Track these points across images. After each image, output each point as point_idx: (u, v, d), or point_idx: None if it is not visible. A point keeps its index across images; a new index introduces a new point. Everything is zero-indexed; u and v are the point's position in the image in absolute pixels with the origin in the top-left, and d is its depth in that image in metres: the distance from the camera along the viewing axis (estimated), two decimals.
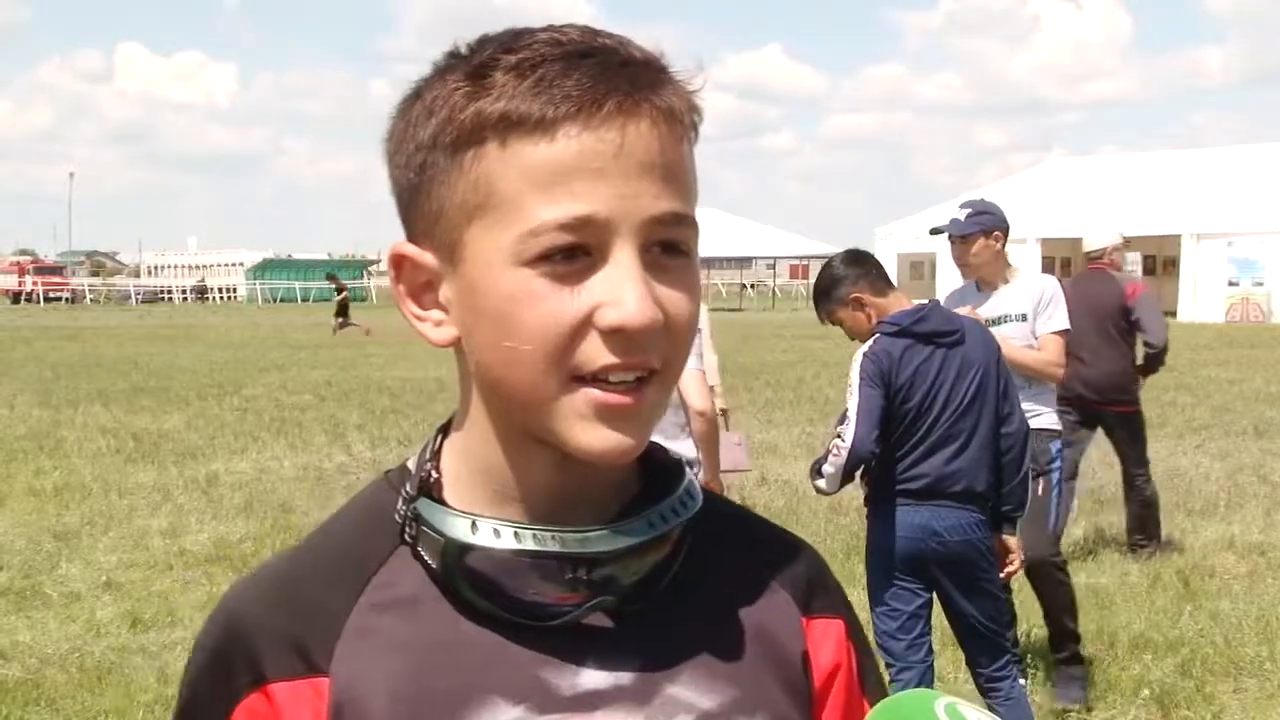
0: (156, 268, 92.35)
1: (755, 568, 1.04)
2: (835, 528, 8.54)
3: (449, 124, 0.88)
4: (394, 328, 35.38)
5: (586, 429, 0.88)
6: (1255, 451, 12.11)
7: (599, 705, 0.92)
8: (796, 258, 69.57)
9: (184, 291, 69.92)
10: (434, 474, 0.96)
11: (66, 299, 62.59)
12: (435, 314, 0.94)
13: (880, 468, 4.23)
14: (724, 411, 7.94)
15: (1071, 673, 5.52)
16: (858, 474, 4.28)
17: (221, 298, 68.10)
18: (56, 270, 71.07)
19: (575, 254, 0.86)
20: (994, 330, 4.93)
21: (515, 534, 0.91)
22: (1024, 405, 4.54)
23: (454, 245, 0.90)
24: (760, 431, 13.26)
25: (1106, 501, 9.70)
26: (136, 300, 64.61)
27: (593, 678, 0.93)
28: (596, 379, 0.87)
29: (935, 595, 4.31)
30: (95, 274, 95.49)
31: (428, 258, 0.92)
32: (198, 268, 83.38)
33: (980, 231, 5.35)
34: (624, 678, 0.93)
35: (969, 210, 5.44)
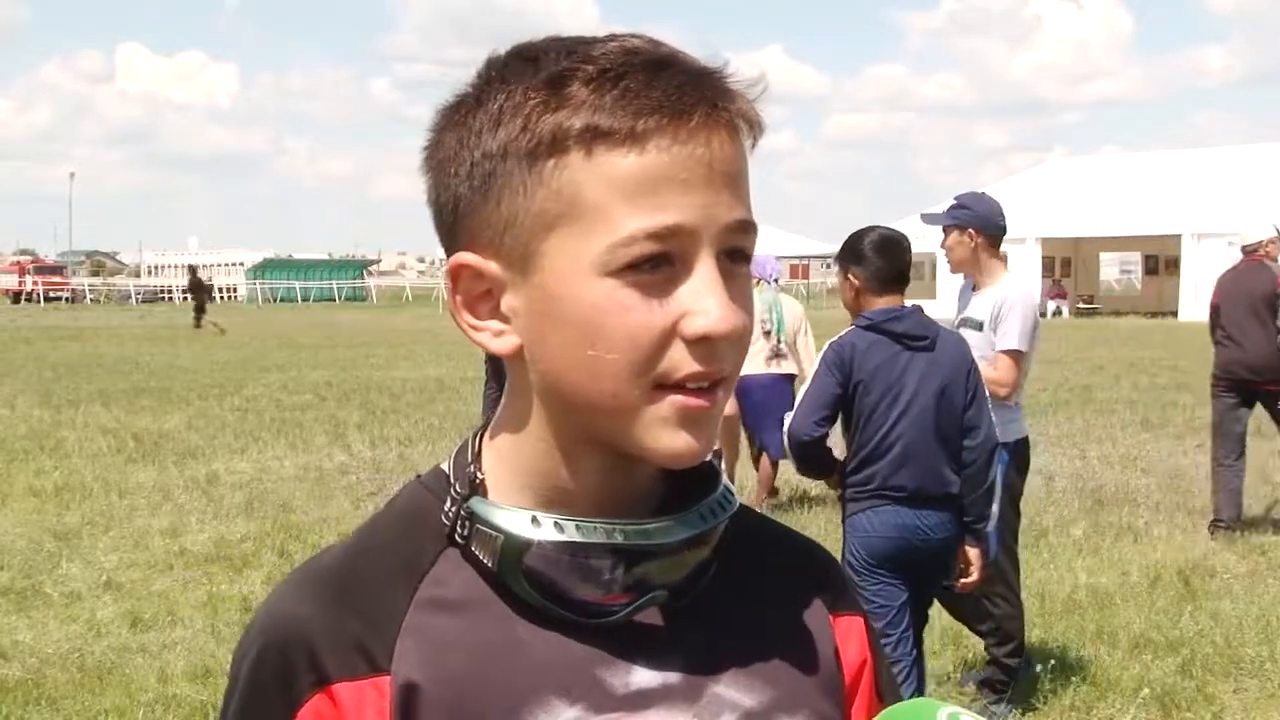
0: (157, 267, 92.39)
1: (783, 570, 1.05)
2: (835, 528, 8.51)
3: (525, 133, 0.87)
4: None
5: (667, 433, 0.89)
6: (1256, 452, 12.10)
7: (651, 704, 0.93)
8: (796, 258, 69.64)
9: (184, 291, 69.95)
10: (479, 475, 0.96)
11: (67, 299, 62.59)
12: (494, 324, 0.94)
13: (852, 468, 4.26)
14: None
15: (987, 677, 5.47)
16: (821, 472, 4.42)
17: (222, 298, 68.09)
18: (57, 270, 71.08)
19: (660, 264, 0.87)
20: (961, 331, 4.92)
21: (577, 527, 0.91)
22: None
23: (529, 255, 0.89)
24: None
25: (1106, 501, 9.71)
26: (137, 300, 64.61)
27: (643, 676, 0.94)
28: (677, 386, 0.89)
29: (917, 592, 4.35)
30: (96, 274, 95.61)
31: (491, 267, 0.92)
32: (200, 267, 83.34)
33: (954, 225, 5.22)
34: (672, 676, 0.94)
35: (954, 202, 5.32)
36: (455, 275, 0.93)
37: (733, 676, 0.96)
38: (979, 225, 5.23)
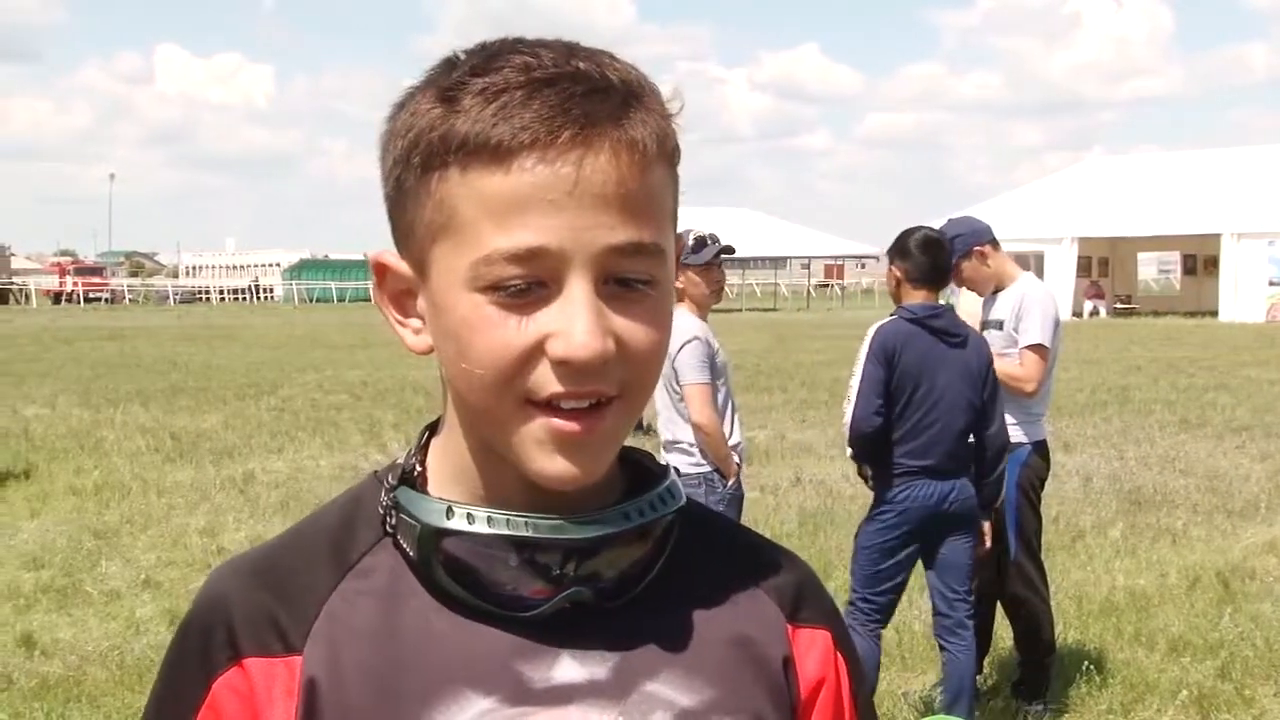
0: (194, 268, 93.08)
1: (740, 574, 1.04)
2: None
3: (418, 144, 0.89)
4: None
5: (540, 454, 0.90)
6: None
7: (572, 699, 0.92)
8: (831, 258, 69.41)
9: (233, 291, 70.49)
10: (419, 467, 0.98)
11: (106, 299, 63.17)
12: (415, 322, 0.96)
13: (888, 445, 4.66)
14: None
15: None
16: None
17: (259, 298, 68.54)
18: (96, 271, 71.76)
19: (529, 284, 0.87)
20: (985, 333, 5.11)
21: (489, 519, 0.92)
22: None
23: (422, 262, 0.92)
24: (795, 432, 13.24)
25: (1144, 502, 9.63)
26: (175, 300, 65.13)
27: (567, 671, 0.93)
28: (550, 404, 0.88)
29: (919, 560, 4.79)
30: (134, 274, 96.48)
31: (404, 267, 0.94)
32: (237, 268, 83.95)
33: (961, 255, 5.27)
34: (599, 672, 0.94)
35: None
36: (378, 272, 0.96)
37: (670, 675, 0.95)
38: (978, 240, 5.38)
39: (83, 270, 68.97)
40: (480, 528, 0.92)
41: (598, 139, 0.86)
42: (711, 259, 4.93)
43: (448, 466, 0.98)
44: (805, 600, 1.05)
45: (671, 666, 0.95)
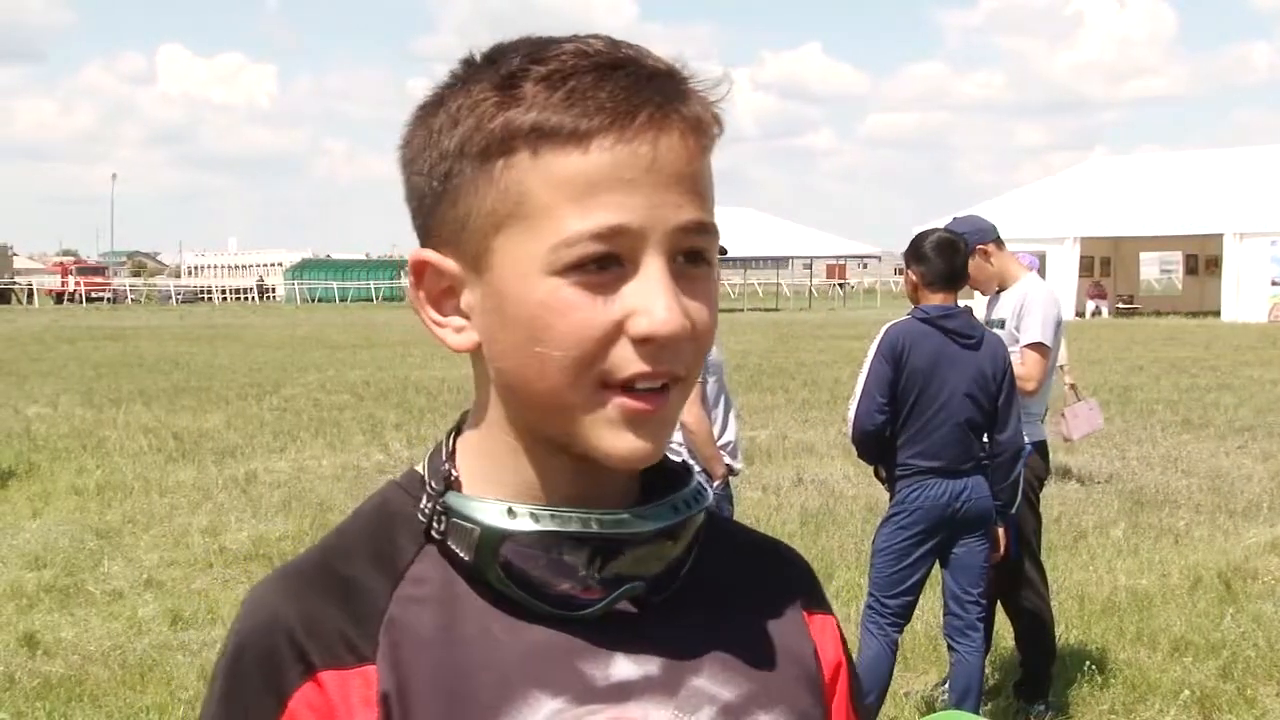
0: (197, 268, 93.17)
1: (756, 569, 1.06)
2: (871, 528, 8.50)
3: (477, 133, 0.89)
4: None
5: (612, 434, 0.90)
6: None
7: (631, 695, 0.93)
8: (833, 258, 69.37)
9: (235, 291, 70.52)
10: (454, 473, 0.97)
11: (108, 299, 63.15)
12: (455, 320, 0.95)
13: (897, 446, 4.66)
14: (1073, 386, 9.49)
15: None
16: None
17: (261, 297, 68.57)
18: (99, 270, 71.71)
19: (607, 263, 0.87)
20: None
21: (552, 516, 0.92)
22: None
23: (480, 253, 0.91)
24: (796, 431, 13.23)
25: (1146, 502, 9.63)
26: (177, 300, 65.15)
27: (624, 668, 0.94)
28: (624, 386, 0.89)
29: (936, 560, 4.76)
30: (137, 274, 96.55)
31: (450, 264, 0.93)
32: (239, 268, 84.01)
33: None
34: (652, 669, 0.95)
35: None
36: (417, 271, 0.95)
37: (711, 670, 0.97)
38: (982, 238, 5.40)
39: (85, 270, 68.92)
40: (546, 525, 0.92)
41: (670, 119, 0.89)
42: None
43: (484, 469, 0.97)
44: (814, 589, 1.10)
45: (711, 662, 0.97)
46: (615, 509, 0.94)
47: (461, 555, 0.93)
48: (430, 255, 0.94)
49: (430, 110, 0.93)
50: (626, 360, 0.88)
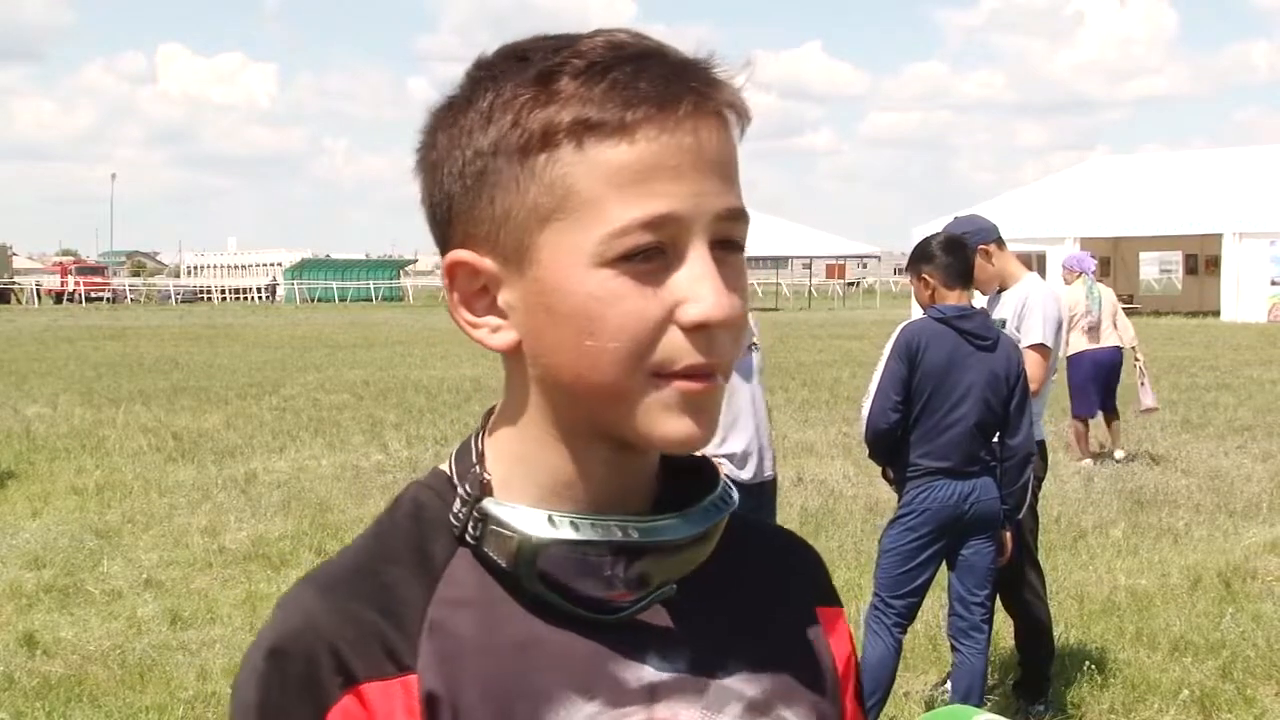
0: (196, 268, 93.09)
1: (773, 565, 1.07)
2: (872, 528, 8.50)
3: (515, 129, 0.88)
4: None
5: (670, 419, 0.90)
6: None
7: (662, 697, 0.94)
8: (833, 257, 69.35)
9: (235, 290, 70.48)
10: (485, 475, 0.96)
11: (108, 299, 63.09)
12: (492, 319, 0.94)
13: (907, 446, 4.65)
14: (1140, 363, 10.78)
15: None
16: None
17: (260, 298, 68.55)
18: (98, 270, 71.62)
19: (653, 253, 0.88)
20: None
21: (592, 525, 0.92)
22: None
23: (524, 249, 0.90)
24: (796, 431, 13.24)
25: (1146, 502, 9.63)
26: (176, 300, 65.14)
27: (654, 669, 0.95)
28: (677, 374, 0.89)
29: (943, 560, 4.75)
30: (136, 274, 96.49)
31: (487, 263, 0.92)
32: (238, 268, 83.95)
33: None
34: (681, 668, 0.95)
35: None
36: (451, 273, 0.94)
37: (735, 667, 0.97)
38: (984, 237, 5.39)
39: (85, 270, 68.82)
40: (587, 534, 0.92)
41: (708, 107, 0.89)
42: None
43: (515, 469, 0.97)
44: (825, 582, 1.11)
45: (736, 660, 0.98)
46: (644, 515, 0.94)
47: (499, 561, 0.93)
48: (465, 255, 0.93)
49: (456, 111, 0.92)
50: (680, 350, 0.88)
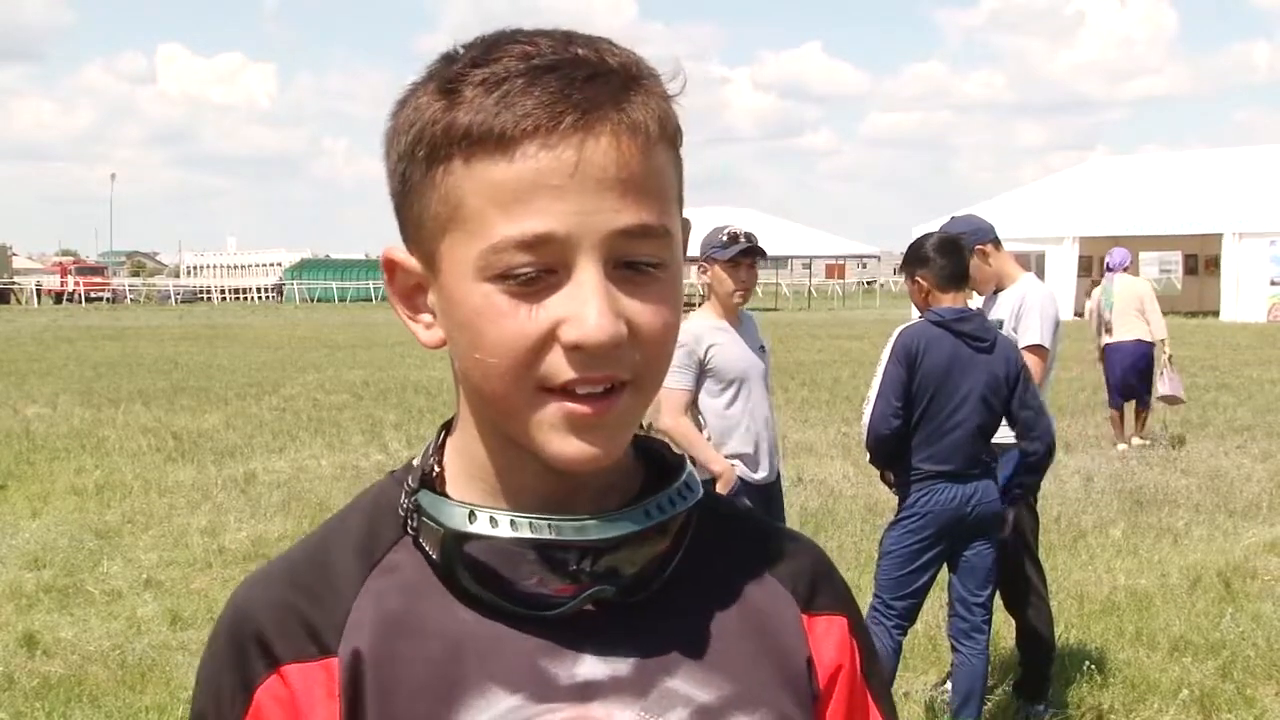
0: (196, 268, 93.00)
1: (755, 565, 1.04)
2: (871, 528, 8.49)
3: (421, 138, 0.89)
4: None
5: (556, 438, 0.90)
6: None
7: (596, 695, 0.93)
8: (832, 257, 69.37)
9: (235, 290, 70.42)
10: (436, 468, 0.98)
11: (108, 299, 63.07)
12: (426, 317, 0.96)
13: (907, 449, 4.64)
14: (1170, 356, 11.62)
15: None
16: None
17: (265, 297, 68.50)
18: (98, 270, 71.63)
19: (538, 271, 0.87)
20: None
21: (511, 522, 0.93)
22: None
23: (431, 255, 0.92)
24: (796, 431, 13.23)
25: (1145, 502, 9.63)
26: (176, 300, 65.11)
27: (591, 668, 0.94)
28: (565, 390, 0.89)
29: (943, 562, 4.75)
30: (136, 274, 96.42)
31: (413, 263, 0.95)
32: (238, 268, 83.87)
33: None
34: (621, 669, 0.94)
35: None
36: (388, 269, 0.97)
37: (688, 671, 0.96)
38: (981, 238, 5.39)
39: (84, 270, 68.80)
40: (504, 531, 0.92)
41: (598, 123, 0.87)
42: (734, 255, 4.84)
43: (464, 465, 0.98)
44: (819, 587, 1.05)
45: (690, 663, 0.96)
46: (582, 513, 0.94)
47: (431, 553, 0.95)
48: (397, 254, 0.96)
49: (398, 109, 0.93)
50: (560, 367, 0.88)
